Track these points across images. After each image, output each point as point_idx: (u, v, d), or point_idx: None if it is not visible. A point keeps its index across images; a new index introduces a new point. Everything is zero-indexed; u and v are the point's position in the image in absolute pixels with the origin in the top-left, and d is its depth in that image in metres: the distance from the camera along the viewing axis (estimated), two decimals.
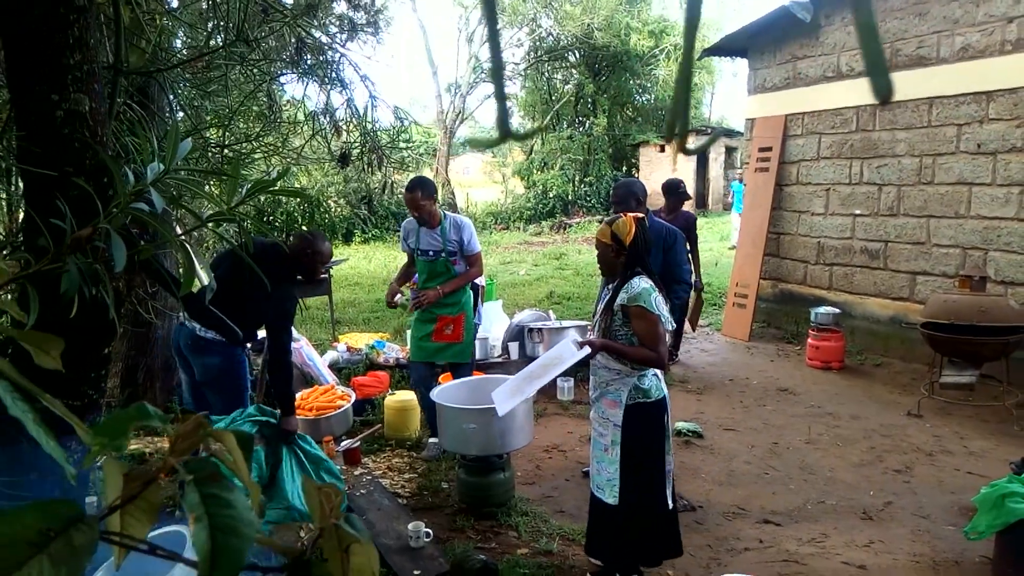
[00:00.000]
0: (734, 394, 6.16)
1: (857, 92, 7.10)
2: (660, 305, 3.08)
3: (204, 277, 1.62)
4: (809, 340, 6.93)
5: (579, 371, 5.48)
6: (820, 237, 7.67)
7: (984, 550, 3.44)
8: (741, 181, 14.67)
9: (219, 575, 0.46)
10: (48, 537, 0.47)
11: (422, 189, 4.48)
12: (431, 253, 4.61)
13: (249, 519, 0.48)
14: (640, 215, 3.25)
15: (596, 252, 3.30)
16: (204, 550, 0.46)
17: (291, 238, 3.71)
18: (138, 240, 2.08)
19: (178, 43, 3.84)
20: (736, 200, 15.48)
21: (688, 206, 7.00)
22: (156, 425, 0.52)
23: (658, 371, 3.19)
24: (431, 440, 4.80)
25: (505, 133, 0.49)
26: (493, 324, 6.63)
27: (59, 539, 0.47)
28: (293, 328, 3.94)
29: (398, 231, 18.29)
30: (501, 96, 0.50)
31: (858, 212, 7.24)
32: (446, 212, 4.70)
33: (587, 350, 3.12)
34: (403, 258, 5.05)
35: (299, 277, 3.85)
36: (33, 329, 0.76)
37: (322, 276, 7.36)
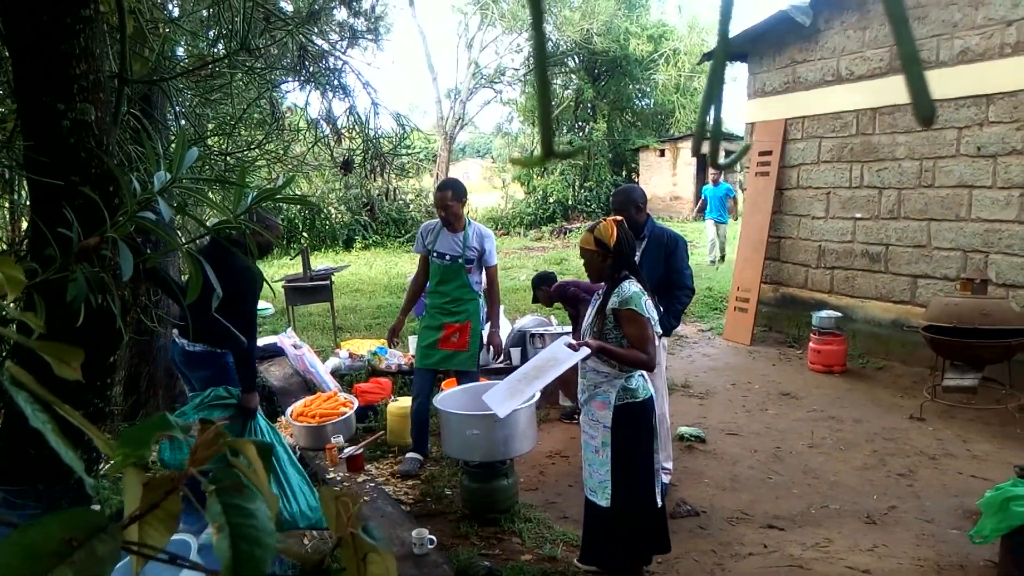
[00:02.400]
0: (736, 399, 6.16)
1: (857, 95, 7.11)
2: (650, 308, 3.14)
3: (216, 285, 1.62)
4: (811, 344, 6.93)
5: None
6: (821, 241, 7.67)
7: (989, 554, 3.44)
8: (715, 183, 13.49)
9: None
10: (71, 547, 0.47)
11: (453, 190, 4.54)
12: (448, 257, 4.58)
13: (270, 528, 0.49)
14: (619, 218, 3.28)
15: (582, 260, 3.32)
16: (227, 560, 0.47)
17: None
18: (144, 248, 2.08)
19: (180, 51, 3.85)
20: (710, 206, 13.38)
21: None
22: (177, 435, 0.53)
23: (644, 372, 3.22)
24: (409, 455, 4.69)
25: (549, 151, 0.49)
26: None
27: (82, 549, 0.47)
28: (260, 311, 3.87)
29: (398, 237, 18.37)
30: (547, 113, 0.50)
31: (859, 215, 7.24)
32: (471, 220, 4.71)
33: (585, 351, 3.13)
34: (410, 268, 5.09)
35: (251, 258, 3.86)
36: (40, 339, 0.76)
37: (321, 282, 7.39)
